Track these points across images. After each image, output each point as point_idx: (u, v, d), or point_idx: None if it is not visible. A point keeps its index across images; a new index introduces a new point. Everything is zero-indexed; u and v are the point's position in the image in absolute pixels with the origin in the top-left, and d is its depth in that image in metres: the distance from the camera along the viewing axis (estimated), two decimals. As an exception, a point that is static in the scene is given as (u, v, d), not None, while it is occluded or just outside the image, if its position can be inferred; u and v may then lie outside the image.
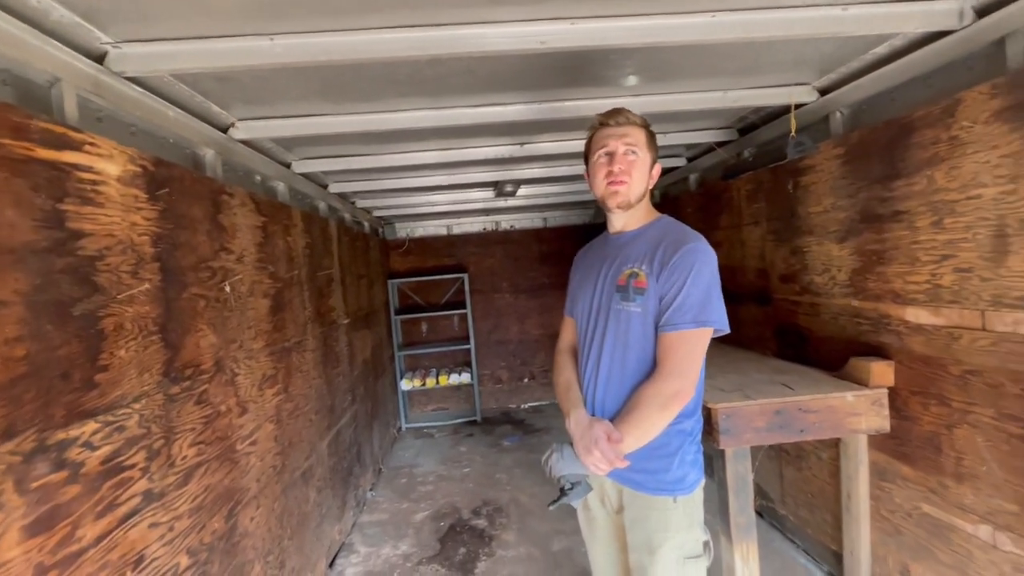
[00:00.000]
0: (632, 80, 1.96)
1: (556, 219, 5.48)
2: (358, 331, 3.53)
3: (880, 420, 1.80)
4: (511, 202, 4.41)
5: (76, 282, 1.08)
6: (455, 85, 1.80)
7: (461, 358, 5.18)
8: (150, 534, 1.25)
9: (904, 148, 1.70)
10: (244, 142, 2.00)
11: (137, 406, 1.23)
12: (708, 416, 1.78)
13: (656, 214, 1.37)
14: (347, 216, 3.71)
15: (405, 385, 4.88)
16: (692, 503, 1.25)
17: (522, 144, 2.56)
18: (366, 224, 4.32)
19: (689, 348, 1.19)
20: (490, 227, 5.38)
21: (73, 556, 1.02)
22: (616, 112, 1.29)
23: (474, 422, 5.00)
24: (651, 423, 1.18)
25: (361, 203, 3.88)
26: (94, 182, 1.16)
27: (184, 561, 1.38)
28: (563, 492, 1.24)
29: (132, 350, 1.23)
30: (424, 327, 5.25)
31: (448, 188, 3.68)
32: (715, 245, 2.98)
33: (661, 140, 2.68)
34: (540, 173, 3.22)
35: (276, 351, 2.10)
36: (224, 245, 1.73)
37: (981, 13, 1.43)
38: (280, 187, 2.48)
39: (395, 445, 4.53)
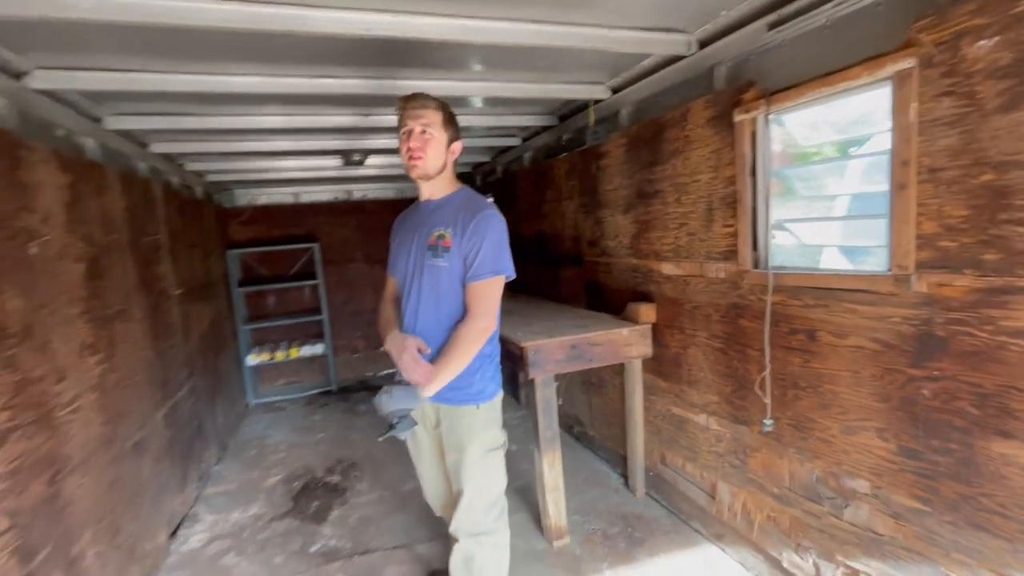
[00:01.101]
0: (478, 67, 2.20)
1: (411, 190, 5.60)
2: (193, 303, 3.35)
3: (646, 348, 2.40)
4: (363, 171, 4.42)
5: None
6: (287, 56, 1.88)
7: (314, 330, 5.11)
8: (-39, 495, 1.23)
9: (660, 142, 2.24)
10: (41, 92, 1.84)
11: (-64, 366, 1.19)
12: (520, 353, 2.19)
13: (458, 185, 1.65)
14: (174, 180, 3.43)
15: (252, 360, 4.69)
16: (491, 409, 1.61)
17: (366, 115, 2.68)
18: (198, 189, 4.00)
19: (490, 293, 1.52)
20: (342, 196, 5.31)
21: None
22: (414, 96, 1.53)
23: (329, 392, 5.03)
24: (467, 353, 1.50)
25: (191, 166, 3.60)
26: None
27: (3, 523, 1.36)
28: (391, 426, 1.52)
29: (-76, 309, 1.18)
30: (271, 299, 5.05)
31: (292, 154, 3.61)
32: (542, 216, 3.45)
33: (498, 121, 3.04)
34: (391, 144, 3.35)
35: (96, 318, 2.00)
36: (26, 205, 1.62)
37: (703, 44, 1.97)
38: (89, 143, 2.27)
39: (244, 421, 4.38)
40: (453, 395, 1.56)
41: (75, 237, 1.92)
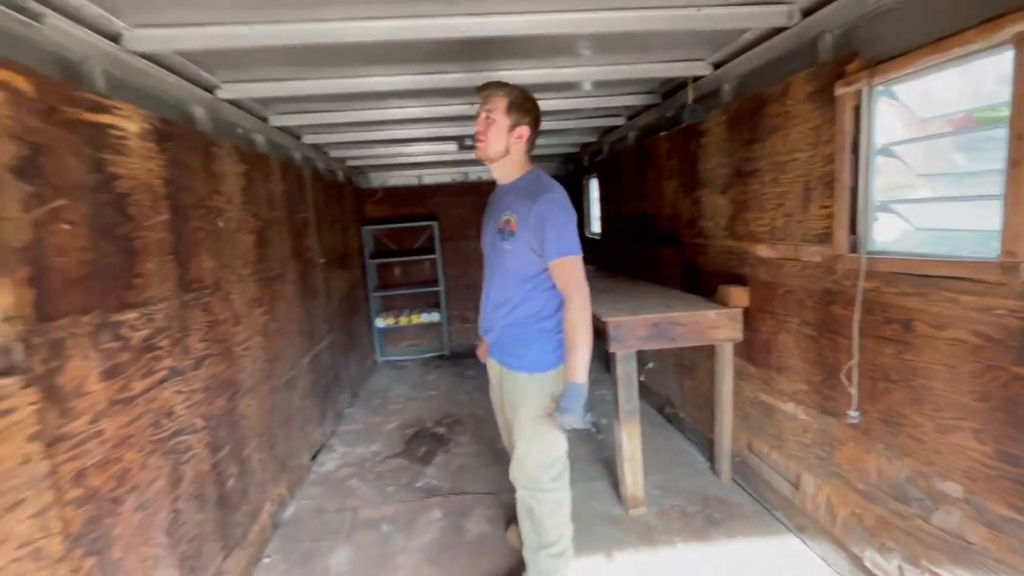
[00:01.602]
0: (583, 52, 2.30)
1: (521, 172, 5.84)
2: (334, 271, 3.97)
3: (735, 332, 2.35)
4: (471, 152, 4.76)
5: (116, 211, 1.50)
6: (409, 57, 2.15)
7: (432, 299, 5.66)
8: (175, 398, 1.74)
9: (760, 118, 2.15)
10: (229, 101, 2.36)
11: (162, 305, 1.69)
12: (603, 328, 2.30)
13: (528, 168, 1.72)
14: (321, 165, 4.06)
15: (380, 323, 5.38)
16: (543, 380, 1.69)
17: (472, 104, 2.94)
18: (340, 173, 4.66)
19: (570, 270, 1.58)
20: (459, 178, 5.74)
21: (129, 399, 1.50)
22: (486, 84, 1.65)
23: (443, 356, 5.57)
24: (583, 331, 1.57)
25: (334, 153, 4.21)
26: (121, 137, 1.55)
27: (199, 423, 1.88)
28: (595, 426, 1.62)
29: (155, 264, 1.67)
30: (397, 271, 5.69)
31: (415, 141, 4.03)
32: (643, 196, 3.45)
33: (602, 102, 3.09)
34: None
35: (261, 279, 2.54)
36: (217, 188, 2.14)
37: (806, 13, 1.85)
38: (259, 139, 2.84)
39: (371, 374, 5.08)
40: (510, 361, 1.74)
41: (248, 214, 2.45)
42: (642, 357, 3.67)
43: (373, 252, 5.52)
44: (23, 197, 1.19)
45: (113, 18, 1.55)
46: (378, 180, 5.57)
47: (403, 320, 5.39)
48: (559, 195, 1.60)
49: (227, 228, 2.20)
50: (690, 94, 2.53)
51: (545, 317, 1.68)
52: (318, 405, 3.32)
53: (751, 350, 2.38)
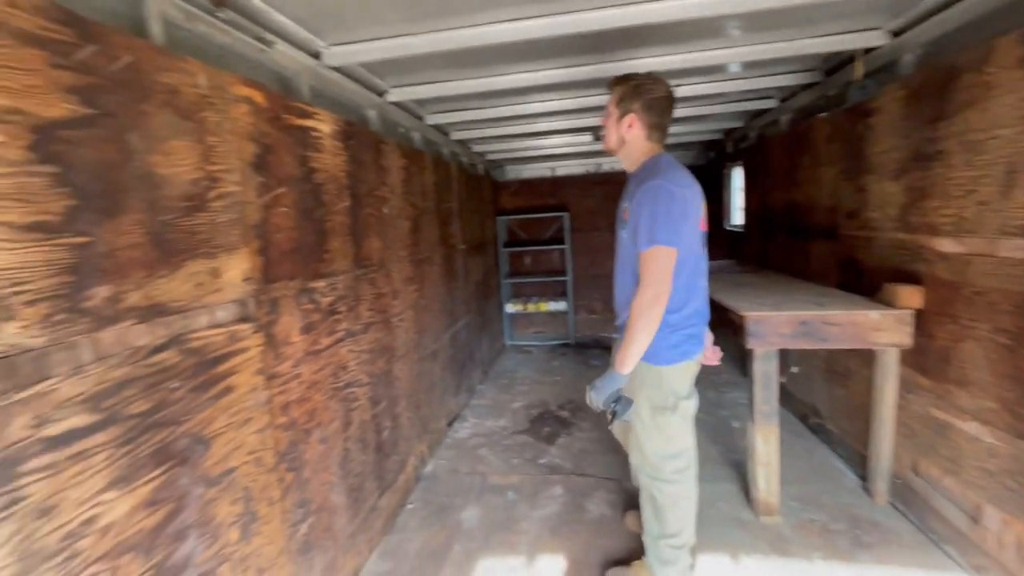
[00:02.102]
0: (732, 33, 2.21)
1: (656, 161, 5.67)
2: (472, 257, 4.29)
3: (903, 336, 2.08)
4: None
5: (314, 198, 1.85)
6: (547, 52, 2.26)
7: (559, 288, 5.80)
8: (349, 355, 2.08)
9: (949, 91, 1.86)
10: (394, 103, 2.70)
11: (342, 277, 2.03)
12: (740, 323, 2.20)
13: (650, 154, 1.67)
14: (464, 160, 4.39)
15: (510, 308, 5.67)
16: (662, 373, 1.66)
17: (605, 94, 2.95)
18: (480, 167, 4.99)
19: (652, 262, 1.52)
20: (592, 169, 5.76)
21: (319, 351, 1.84)
22: (611, 79, 1.71)
23: (568, 345, 5.68)
24: (642, 322, 1.53)
25: (475, 148, 4.53)
26: (318, 137, 1.90)
27: (365, 378, 2.22)
28: (613, 414, 1.64)
29: (338, 243, 2.01)
30: (528, 259, 5.92)
31: (550, 133, 4.15)
32: (795, 184, 3.19)
33: (750, 84, 2.90)
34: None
35: (415, 260, 2.88)
36: (383, 180, 2.47)
37: (1024, -38, 1.56)
38: (416, 136, 3.19)
39: (500, 356, 5.38)
40: None
41: (406, 203, 2.78)
42: (785, 360, 3.38)
43: (506, 241, 5.82)
44: (257, 186, 1.53)
45: (316, 39, 1.90)
46: (513, 173, 5.84)
47: (531, 307, 5.61)
48: (661, 182, 1.53)
49: (390, 215, 2.54)
50: (858, 68, 2.26)
51: (670, 310, 1.60)
52: (454, 378, 3.64)
53: (923, 358, 2.08)
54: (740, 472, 2.71)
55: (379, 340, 2.37)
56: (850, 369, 2.62)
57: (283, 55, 1.81)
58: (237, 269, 1.43)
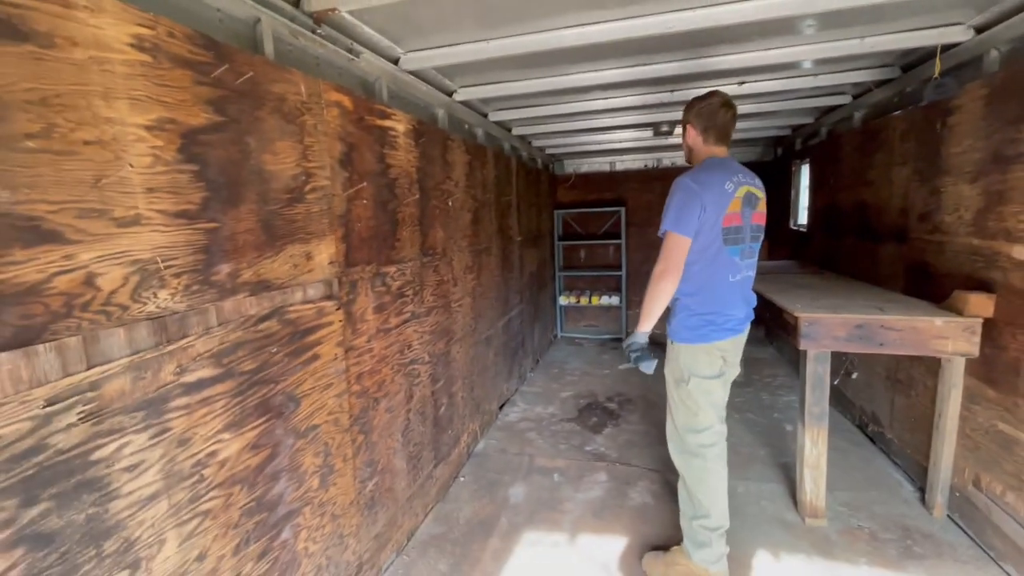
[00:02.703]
0: (806, 30, 2.18)
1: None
2: (528, 249, 4.43)
3: (969, 346, 2.01)
4: (672, 140, 4.69)
5: (388, 191, 2.04)
6: (612, 53, 2.33)
7: (612, 283, 5.83)
8: (414, 335, 2.27)
9: (1035, 91, 1.77)
10: (462, 102, 2.87)
11: (410, 264, 2.22)
12: (794, 323, 2.20)
13: (704, 159, 1.88)
14: (524, 154, 4.52)
15: (563, 300, 5.77)
16: (679, 350, 1.88)
17: (672, 91, 2.98)
18: (539, 160, 5.10)
19: (665, 246, 1.77)
20: (651, 164, 5.72)
21: (388, 329, 2.04)
22: None
23: (619, 339, 5.70)
24: (654, 290, 1.79)
25: (536, 143, 4.64)
26: (394, 136, 2.09)
27: (426, 357, 2.41)
28: (629, 359, 1.91)
29: (407, 232, 2.20)
30: (582, 253, 5.98)
31: (611, 129, 4.19)
32: (866, 184, 3.09)
33: (823, 81, 2.83)
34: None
35: (474, 250, 3.05)
36: (449, 175, 2.65)
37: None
38: (479, 132, 3.35)
39: (551, 347, 5.51)
40: (667, 327, 1.94)
41: (468, 196, 2.95)
42: (846, 366, 3.29)
43: (562, 234, 5.91)
44: (342, 180, 1.73)
45: (396, 47, 2.08)
46: (572, 167, 5.90)
47: (583, 300, 5.68)
48: (684, 178, 1.77)
49: (454, 207, 2.71)
50: (937, 66, 2.17)
51: (685, 294, 1.84)
52: (507, 363, 3.81)
53: (991, 370, 2.00)
54: (788, 475, 2.70)
55: (440, 323, 2.56)
56: (913, 377, 2.53)
57: (367, 62, 2.00)
58: (325, 253, 1.64)
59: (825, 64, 2.67)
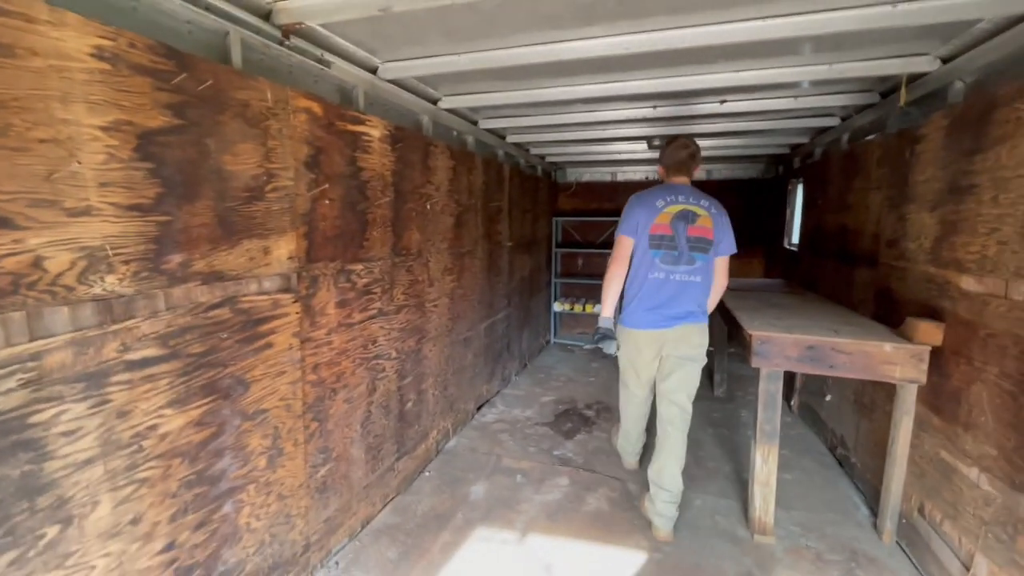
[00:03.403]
0: (808, 51, 2.19)
1: (721, 172, 5.57)
2: (519, 254, 4.51)
3: (916, 372, 2.03)
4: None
5: (359, 193, 2.15)
6: (618, 66, 2.36)
7: (608, 292, 5.85)
8: (379, 331, 2.38)
9: (986, 124, 1.79)
10: (447, 110, 2.98)
11: (380, 263, 2.32)
12: (748, 340, 2.24)
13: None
14: (522, 161, 4.61)
15: (557, 307, 5.83)
16: (620, 329, 2.45)
17: (655, 107, 3.04)
18: (539, 168, 5.18)
19: (615, 243, 2.37)
20: (652, 176, 5.75)
21: (351, 324, 2.15)
22: None
23: (611, 348, 5.73)
24: (606, 278, 2.39)
25: (535, 151, 4.72)
26: (368, 141, 2.20)
27: (394, 354, 2.51)
28: (593, 340, 2.32)
29: (378, 233, 2.31)
30: (580, 261, 6.04)
31: (612, 140, 4.23)
32: (847, 208, 3.10)
33: (813, 102, 2.85)
34: (687, 128, 3.57)
35: (455, 253, 3.15)
36: (429, 179, 2.75)
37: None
38: (469, 139, 3.45)
39: (542, 352, 5.57)
40: None
41: (451, 200, 3.05)
42: (821, 388, 3.29)
43: (561, 242, 5.97)
44: (308, 181, 1.85)
45: (373, 57, 2.20)
46: (574, 175, 5.97)
47: (578, 308, 5.73)
48: (634, 195, 2.43)
49: (433, 210, 2.82)
50: (902, 95, 2.19)
51: (627, 283, 2.40)
52: (488, 366, 3.89)
53: (938, 398, 2.02)
54: (732, 484, 2.72)
55: (411, 321, 2.66)
56: (876, 403, 2.54)
57: (343, 71, 2.12)
58: (284, 249, 1.75)
59: (815, 85, 2.69)
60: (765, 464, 2.29)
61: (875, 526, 2.38)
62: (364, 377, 2.27)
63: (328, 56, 2.00)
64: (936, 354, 2.01)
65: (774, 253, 5.19)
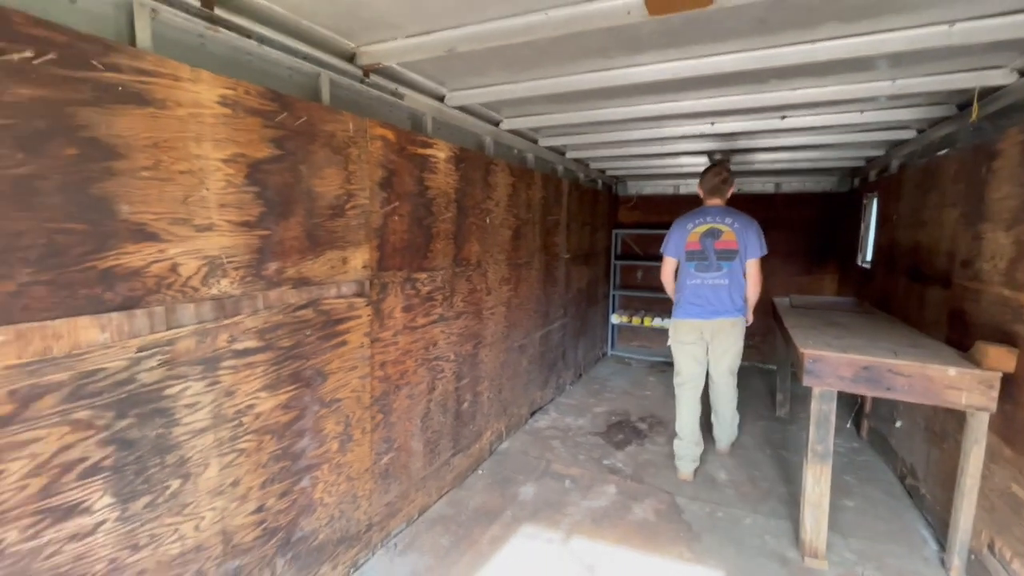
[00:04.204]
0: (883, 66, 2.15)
1: (790, 184, 5.38)
2: (576, 266, 4.62)
3: (985, 400, 1.93)
4: (739, 166, 4.63)
5: (425, 209, 2.38)
6: (685, 86, 2.43)
7: (668, 306, 5.78)
8: (440, 335, 2.59)
9: (1062, 141, 1.71)
10: (509, 131, 3.18)
11: (441, 272, 2.54)
12: (799, 358, 2.22)
13: None
14: (581, 175, 4.73)
15: (615, 319, 5.85)
16: (672, 322, 3.09)
17: (712, 123, 3.07)
18: (599, 182, 5.27)
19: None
20: (717, 190, 5.65)
21: (414, 327, 2.37)
22: None
23: (669, 364, 5.66)
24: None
25: (594, 165, 4.83)
26: (435, 162, 2.43)
27: (452, 356, 2.72)
28: None
29: (441, 245, 2.53)
30: (639, 274, 6.03)
31: (673, 155, 4.26)
32: (921, 224, 2.99)
33: (887, 116, 2.77)
34: (752, 144, 3.55)
35: (512, 264, 3.33)
36: (489, 195, 2.96)
37: None
38: (529, 156, 3.63)
39: (598, 363, 5.61)
40: None
41: (509, 214, 3.24)
42: (891, 413, 3.12)
43: (620, 254, 6.00)
44: (381, 199, 2.09)
45: (441, 87, 2.44)
46: (635, 188, 5.99)
47: (636, 320, 5.73)
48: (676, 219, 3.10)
49: (492, 224, 3.02)
50: (975, 109, 2.10)
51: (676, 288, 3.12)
52: (542, 373, 4.02)
53: (1010, 428, 1.90)
54: (787, 506, 2.65)
55: (469, 327, 2.85)
56: (947, 430, 2.41)
57: (414, 100, 2.37)
58: (359, 259, 2.00)
59: (869, 103, 2.63)
60: (817, 485, 2.25)
61: (943, 562, 2.26)
62: (425, 376, 2.49)
63: (401, 89, 2.26)
64: (1008, 381, 1.90)
65: (847, 270, 4.93)
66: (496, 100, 2.55)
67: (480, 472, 3.07)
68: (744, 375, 5.41)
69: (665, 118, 3.01)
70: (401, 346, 2.29)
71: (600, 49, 1.90)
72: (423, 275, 2.40)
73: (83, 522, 1.21)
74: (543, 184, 3.72)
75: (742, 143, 3.61)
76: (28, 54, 1.05)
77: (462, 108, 2.69)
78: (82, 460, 1.20)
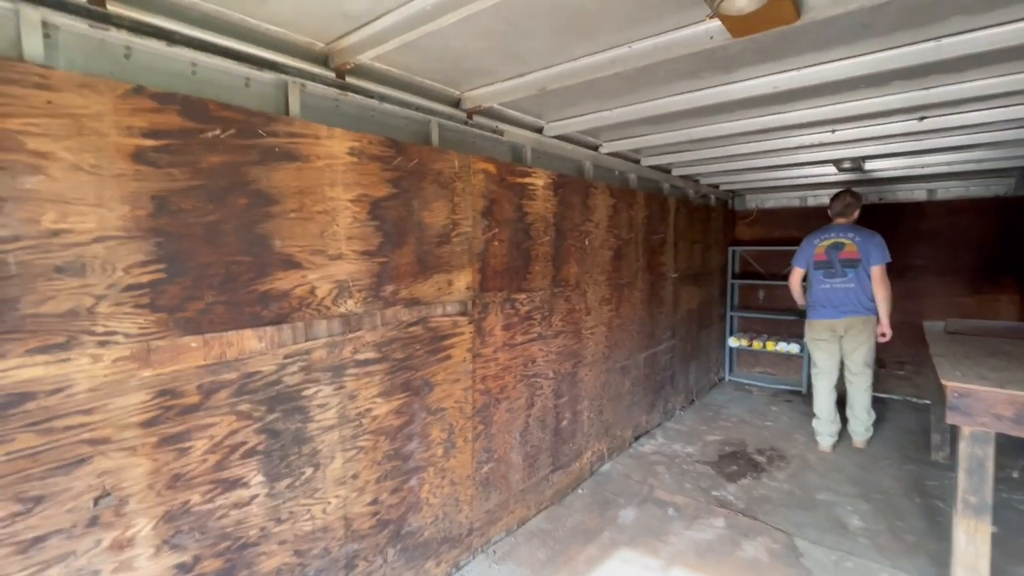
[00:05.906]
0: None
1: (949, 191, 4.64)
2: (685, 285, 4.45)
3: None
4: (882, 172, 4.13)
5: (523, 234, 2.54)
6: (798, 96, 2.31)
7: (795, 329, 5.28)
8: (538, 353, 2.71)
9: None
10: (609, 154, 3.24)
11: (540, 293, 2.67)
12: (944, 393, 1.94)
13: None
14: (690, 192, 4.58)
15: (732, 342, 5.47)
16: (807, 322, 3.75)
17: (832, 131, 2.82)
18: (712, 197, 5.05)
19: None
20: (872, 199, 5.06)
21: (514, 345, 2.52)
22: None
23: (796, 392, 5.13)
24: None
25: (705, 180, 4.65)
26: (533, 189, 2.58)
27: (551, 374, 2.81)
28: None
29: (539, 267, 2.66)
30: (761, 294, 5.59)
31: (793, 166, 3.95)
32: None
33: None
34: (892, 148, 3.16)
35: (613, 284, 3.34)
36: (588, 217, 3.04)
37: None
38: (631, 177, 3.64)
39: (713, 389, 5.28)
40: None
41: (610, 235, 3.28)
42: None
43: (738, 272, 5.63)
44: (482, 227, 2.29)
45: (539, 120, 2.61)
46: (754, 202, 5.61)
47: (757, 344, 5.30)
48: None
49: (591, 245, 3.08)
50: None
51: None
52: (648, 396, 3.93)
53: None
54: (940, 563, 2.25)
55: (567, 346, 2.93)
56: None
57: (514, 134, 2.56)
58: (463, 281, 2.21)
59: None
60: (971, 544, 1.92)
61: None
62: (523, 392, 2.61)
63: (501, 125, 2.46)
64: None
65: (1030, 289, 4.09)
66: (593, 127, 2.64)
67: (580, 491, 3.09)
68: (894, 410, 4.73)
69: (775, 130, 2.84)
70: (501, 362, 2.45)
71: (690, 71, 1.91)
72: (522, 295, 2.55)
73: (243, 494, 1.51)
74: (646, 203, 3.70)
75: (871, 149, 3.24)
76: (217, 132, 1.41)
77: (561, 137, 2.83)
78: (243, 443, 1.51)
